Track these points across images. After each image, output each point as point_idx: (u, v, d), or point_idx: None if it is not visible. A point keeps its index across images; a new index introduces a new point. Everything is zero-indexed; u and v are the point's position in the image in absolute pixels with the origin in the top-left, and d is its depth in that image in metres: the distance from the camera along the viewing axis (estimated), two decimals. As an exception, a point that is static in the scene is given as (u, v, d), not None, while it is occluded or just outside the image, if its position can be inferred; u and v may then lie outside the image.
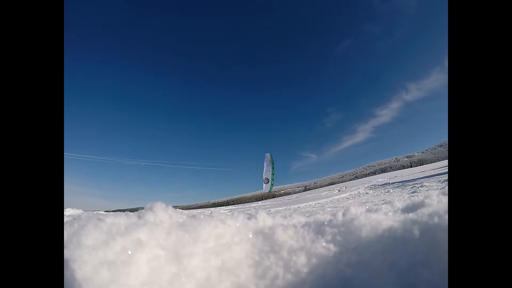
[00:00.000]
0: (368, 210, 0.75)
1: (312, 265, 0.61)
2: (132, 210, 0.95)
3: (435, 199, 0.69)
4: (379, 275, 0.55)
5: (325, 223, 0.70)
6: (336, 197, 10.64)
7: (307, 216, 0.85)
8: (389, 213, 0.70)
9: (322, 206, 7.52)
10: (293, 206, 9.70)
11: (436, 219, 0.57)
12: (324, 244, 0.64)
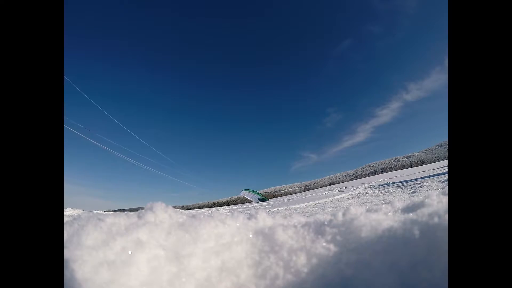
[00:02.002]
0: (368, 210, 0.75)
1: (312, 265, 0.61)
2: (132, 210, 0.95)
3: (435, 199, 0.69)
4: (379, 275, 0.55)
5: (325, 223, 0.69)
6: (336, 197, 10.64)
7: (307, 216, 0.85)
8: (389, 213, 0.70)
9: (322, 206, 7.52)
10: (293, 206, 9.70)
11: (436, 219, 0.57)
12: (324, 244, 0.64)
